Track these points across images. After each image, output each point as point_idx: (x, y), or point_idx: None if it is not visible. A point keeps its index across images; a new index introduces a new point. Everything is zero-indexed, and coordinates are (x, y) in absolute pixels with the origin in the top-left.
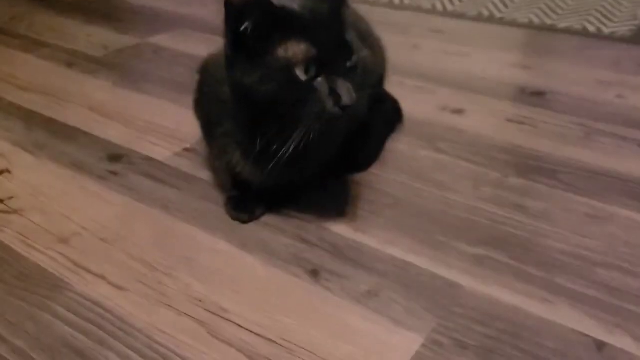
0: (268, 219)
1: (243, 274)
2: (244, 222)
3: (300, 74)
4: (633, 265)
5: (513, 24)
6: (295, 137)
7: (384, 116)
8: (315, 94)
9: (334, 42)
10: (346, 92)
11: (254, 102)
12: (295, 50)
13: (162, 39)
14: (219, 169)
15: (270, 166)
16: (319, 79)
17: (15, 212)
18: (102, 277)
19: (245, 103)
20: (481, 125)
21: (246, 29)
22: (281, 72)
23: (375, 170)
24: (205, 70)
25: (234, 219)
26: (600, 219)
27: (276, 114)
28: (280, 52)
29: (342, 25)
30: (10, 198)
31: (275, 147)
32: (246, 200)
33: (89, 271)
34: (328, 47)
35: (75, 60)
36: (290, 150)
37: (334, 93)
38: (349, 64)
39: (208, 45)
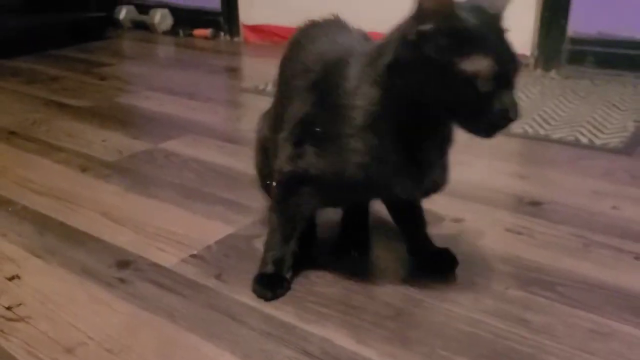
0: (272, 328)
1: None
2: (267, 299)
3: (481, 86)
4: None
5: (508, 133)
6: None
7: None
8: (489, 106)
9: (509, 57)
10: (514, 107)
11: (417, 105)
12: (480, 64)
13: (173, 144)
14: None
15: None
16: (496, 92)
17: (22, 319)
18: None
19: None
20: (480, 235)
21: (426, 31)
22: (463, 84)
23: (376, 280)
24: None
25: (259, 295)
26: (603, 335)
27: (436, 121)
28: (466, 64)
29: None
30: (19, 305)
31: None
32: (276, 278)
33: None
34: (505, 62)
35: (89, 164)
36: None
37: (504, 106)
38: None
39: (217, 150)
